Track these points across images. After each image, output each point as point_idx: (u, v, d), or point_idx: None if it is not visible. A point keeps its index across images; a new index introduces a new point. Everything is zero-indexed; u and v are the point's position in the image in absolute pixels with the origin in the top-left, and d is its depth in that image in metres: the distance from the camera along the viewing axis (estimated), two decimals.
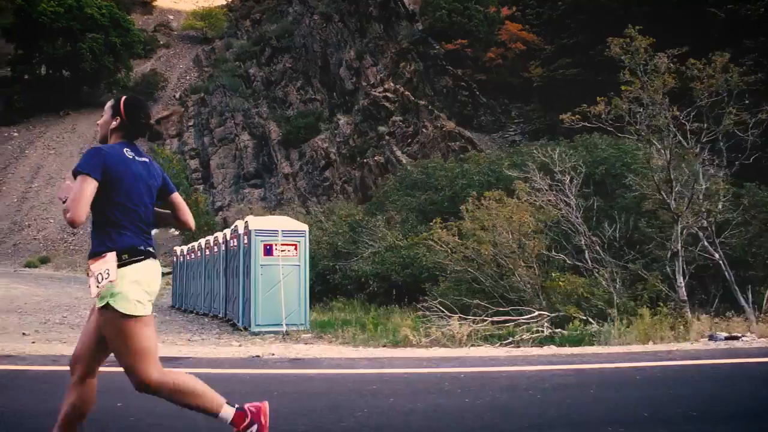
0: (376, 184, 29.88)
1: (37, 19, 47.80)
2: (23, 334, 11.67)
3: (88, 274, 3.23)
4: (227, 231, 15.04)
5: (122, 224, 3.28)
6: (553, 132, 30.25)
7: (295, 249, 11.96)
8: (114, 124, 3.47)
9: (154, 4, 67.13)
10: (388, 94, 32.12)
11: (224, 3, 66.95)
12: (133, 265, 3.20)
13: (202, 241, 17.67)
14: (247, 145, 41.62)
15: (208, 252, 16.72)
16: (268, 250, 11.78)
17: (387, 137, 30.09)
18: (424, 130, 28.79)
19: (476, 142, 27.78)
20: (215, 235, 16.39)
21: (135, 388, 3.23)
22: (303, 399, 5.21)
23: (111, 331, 3.18)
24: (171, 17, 67.05)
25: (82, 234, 39.75)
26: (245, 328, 11.99)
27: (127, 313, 3.14)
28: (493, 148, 29.70)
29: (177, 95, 53.25)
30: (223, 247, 15.03)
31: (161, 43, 59.94)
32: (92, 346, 3.33)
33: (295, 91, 43.09)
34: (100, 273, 3.17)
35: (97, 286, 3.15)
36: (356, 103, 36.45)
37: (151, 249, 3.36)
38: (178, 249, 21.40)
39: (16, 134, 49.06)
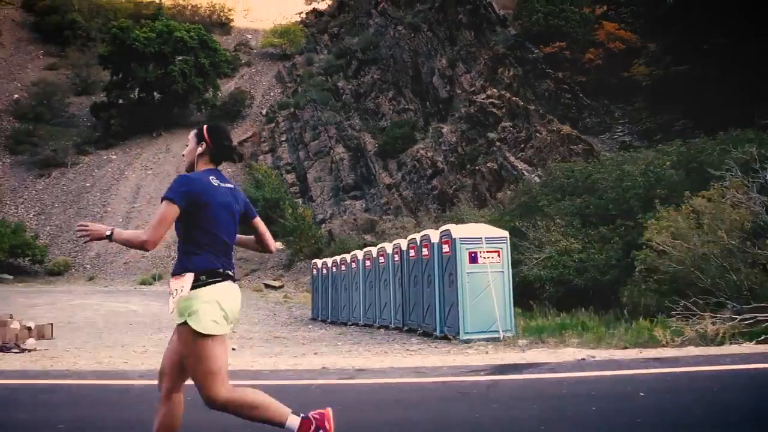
0: (490, 191, 29.86)
1: (131, 45, 49.34)
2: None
3: (169, 292, 3.40)
4: (401, 241, 15.22)
5: (204, 247, 3.43)
6: (665, 131, 29.81)
7: (498, 255, 12.02)
8: (200, 150, 3.64)
9: (231, 24, 68.50)
10: (494, 101, 32.04)
11: (299, 20, 68.13)
12: (211, 286, 3.35)
13: (359, 253, 17.89)
14: (342, 158, 42.06)
15: (368, 263, 16.90)
16: (473, 258, 11.86)
17: (498, 143, 30.00)
18: (537, 134, 28.63)
19: (593, 145, 27.50)
20: (380, 246, 16.59)
21: (204, 403, 3.35)
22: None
23: (186, 348, 3.32)
24: (249, 36, 68.37)
25: None
26: (448, 337, 12.05)
27: (202, 331, 3.28)
28: (604, 150, 29.37)
29: (263, 111, 54.24)
30: (395, 258, 15.19)
31: (243, 61, 61.12)
32: (176, 363, 3.46)
33: (387, 101, 43.40)
34: (176, 289, 3.36)
35: (171, 306, 3.34)
36: (455, 111, 36.52)
37: (230, 272, 3.49)
38: (319, 262, 21.70)
39: (114, 157, 50.62)
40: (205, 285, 3.38)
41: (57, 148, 49.60)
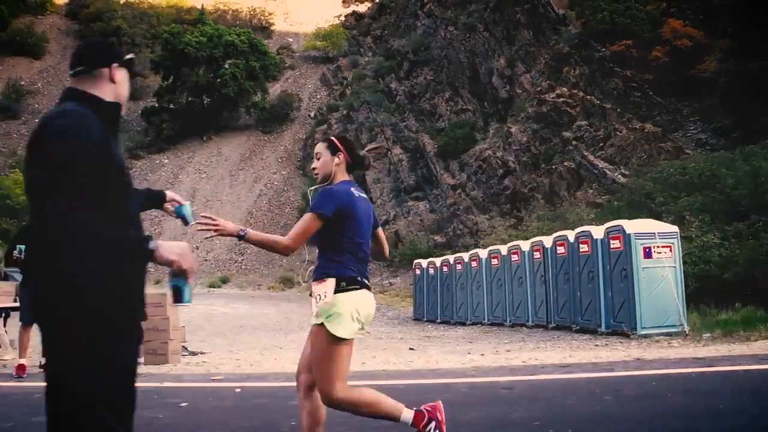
0: (569, 190, 29.81)
1: (183, 49, 49.73)
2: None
3: (310, 295, 3.52)
4: (543, 239, 15.26)
5: (346, 256, 3.52)
6: (743, 128, 29.62)
7: (670, 250, 12.01)
8: (337, 161, 3.70)
9: (272, 28, 68.83)
10: (567, 100, 31.99)
11: (338, 22, 68.35)
12: (351, 293, 3.45)
13: (481, 251, 17.93)
14: (401, 159, 42.13)
15: (495, 261, 16.94)
16: (648, 253, 11.86)
17: (574, 142, 29.95)
18: (617, 133, 28.55)
19: (679, 144, 27.40)
20: (513, 244, 16.64)
21: (321, 400, 3.46)
22: None
23: (318, 347, 3.45)
24: (290, 39, 68.68)
25: (250, 253, 41.05)
26: (620, 332, 12.04)
27: (337, 335, 3.38)
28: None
29: (312, 114, 54.48)
30: (535, 255, 15.22)
31: (287, 65, 61.36)
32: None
33: (443, 102, 43.43)
34: (319, 294, 3.47)
35: (313, 308, 3.47)
36: (520, 110, 36.44)
37: (366, 281, 3.59)
38: (423, 262, 21.77)
39: (166, 161, 51.03)
40: (345, 291, 3.49)
41: None
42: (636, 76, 34.67)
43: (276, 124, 53.62)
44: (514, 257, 16.12)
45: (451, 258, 19.76)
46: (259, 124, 53.70)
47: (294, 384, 3.72)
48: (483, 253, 17.81)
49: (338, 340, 3.44)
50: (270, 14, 70.40)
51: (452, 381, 6.70)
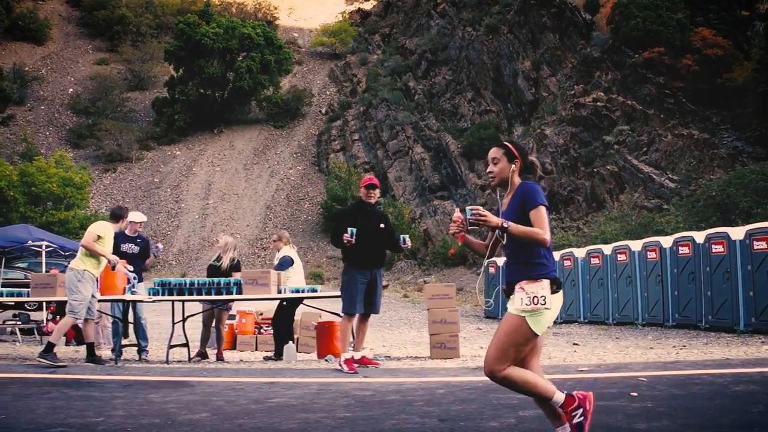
0: (611, 193, 30.18)
1: (200, 41, 49.20)
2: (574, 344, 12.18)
3: (515, 291, 3.65)
4: (659, 239, 15.43)
5: (550, 257, 3.73)
6: None
7: None
8: (513, 167, 3.88)
9: (277, 23, 68.42)
10: (606, 104, 32.37)
11: (343, 19, 68.19)
12: (557, 295, 3.65)
13: (576, 251, 18.06)
14: (423, 158, 42.23)
15: (596, 261, 17.09)
16: None
17: (616, 146, 30.32)
18: (663, 138, 28.95)
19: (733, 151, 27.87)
20: (619, 244, 16.81)
21: (485, 372, 3.67)
22: None
23: (509, 330, 3.61)
24: (296, 35, 68.35)
25: (272, 248, 40.67)
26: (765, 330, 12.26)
27: (536, 332, 3.59)
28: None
29: (323, 110, 54.29)
30: (649, 255, 15.40)
31: (295, 60, 61.03)
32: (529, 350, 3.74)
33: (466, 102, 43.62)
34: (535, 296, 3.59)
35: (527, 304, 3.58)
36: (551, 113, 36.78)
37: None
38: (497, 260, 21.85)
39: (178, 153, 50.44)
40: (554, 293, 3.66)
41: (122, 143, 49.36)
42: (668, 83, 35.20)
43: (288, 118, 53.31)
44: (621, 257, 16.30)
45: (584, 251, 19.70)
46: (270, 118, 53.32)
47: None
48: (580, 252, 17.97)
49: (533, 336, 3.62)
50: (275, 8, 69.90)
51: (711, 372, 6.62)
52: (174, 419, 4.58)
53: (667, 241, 15.11)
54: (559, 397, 3.69)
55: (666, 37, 36.09)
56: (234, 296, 8.33)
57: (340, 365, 7.28)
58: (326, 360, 8.82)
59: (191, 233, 42.57)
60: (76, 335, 13.11)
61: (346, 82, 56.90)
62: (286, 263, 9.27)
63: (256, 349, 12.14)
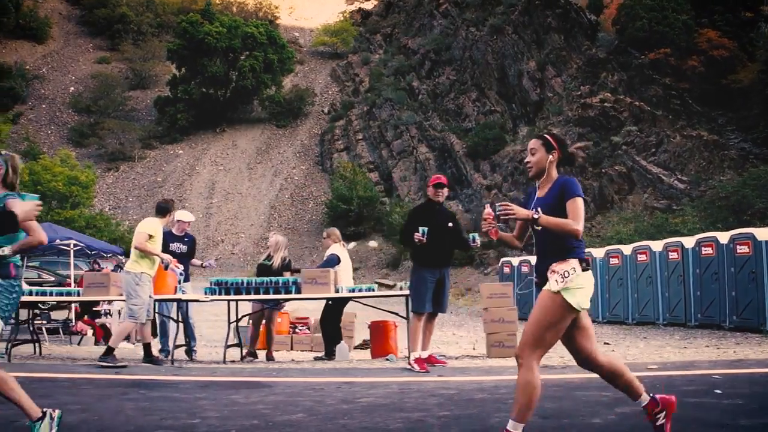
0: (620, 194, 30.30)
1: (203, 39, 49.15)
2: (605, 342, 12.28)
3: (548, 275, 3.77)
4: (681, 240, 15.54)
5: (581, 240, 3.85)
6: None
7: None
8: (551, 158, 3.98)
9: (278, 22, 68.37)
10: (613, 105, 32.50)
11: (344, 19, 68.24)
12: (586, 273, 3.76)
13: (594, 251, 18.15)
14: (428, 158, 42.30)
15: (615, 261, 17.20)
16: None
17: (624, 147, 30.45)
18: (672, 139, 29.09)
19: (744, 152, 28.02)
20: (639, 245, 16.92)
21: (516, 351, 3.78)
22: None
23: (547, 309, 3.70)
24: (296, 34, 68.34)
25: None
26: None
27: (572, 304, 3.67)
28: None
29: (325, 110, 54.31)
30: (671, 255, 15.52)
31: (296, 59, 61.02)
32: (578, 340, 3.85)
33: (470, 103, 43.70)
34: (566, 271, 3.73)
35: (558, 282, 3.71)
36: (559, 113, 36.88)
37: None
38: (514, 260, 21.96)
39: (181, 152, 50.39)
40: (585, 271, 3.78)
41: (124, 142, 49.28)
42: (674, 84, 35.37)
43: (290, 118, 53.30)
44: (642, 257, 16.41)
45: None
46: (272, 117, 53.29)
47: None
48: (599, 252, 18.08)
49: (572, 312, 3.69)
50: (276, 8, 69.87)
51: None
52: (272, 420, 4.61)
53: (689, 242, 15.23)
54: (645, 398, 3.80)
55: (672, 38, 36.26)
56: (293, 296, 8.36)
57: (410, 364, 7.33)
58: (387, 359, 8.87)
59: (195, 232, 42.12)
60: (104, 335, 13.12)
61: (348, 82, 56.89)
62: (332, 261, 9.28)
63: (292, 349, 12.18)
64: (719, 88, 35.26)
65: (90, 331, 12.47)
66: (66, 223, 33.88)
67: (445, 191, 7.84)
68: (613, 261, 17.37)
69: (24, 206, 3.96)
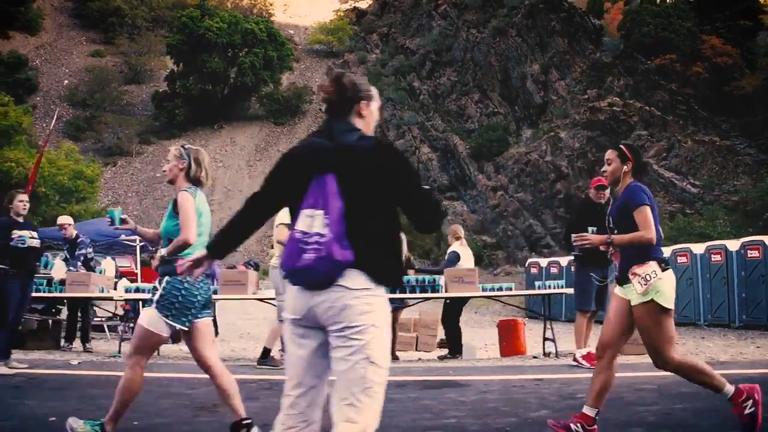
0: None
1: (203, 35, 48.88)
2: None
3: (630, 278, 4.05)
4: (726, 242, 15.86)
5: (657, 246, 4.12)
6: None
7: None
8: (626, 168, 4.24)
9: (273, 19, 68.12)
10: (622, 109, 32.91)
11: (337, 17, 68.23)
12: (669, 272, 4.08)
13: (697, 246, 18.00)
14: (430, 158, 42.44)
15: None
16: None
17: None
18: (683, 144, 29.54)
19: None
20: (678, 247, 17.20)
21: (655, 365, 4.09)
22: None
23: (649, 320, 4.00)
24: (291, 32, 68.15)
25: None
26: None
27: (666, 306, 3.98)
28: None
29: (323, 108, 54.09)
30: (713, 258, 15.84)
31: (293, 57, 60.89)
32: (620, 334, 4.19)
33: (472, 104, 43.95)
34: (648, 274, 3.99)
35: (643, 285, 3.98)
36: (565, 116, 37.26)
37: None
38: (542, 261, 22.18)
39: None
40: (665, 270, 4.04)
41: (122, 137, 48.86)
42: (679, 89, 35.91)
43: (288, 116, 53.21)
44: (682, 259, 16.71)
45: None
46: (270, 115, 53.14)
47: None
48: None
49: (668, 311, 3.96)
50: (270, 5, 69.66)
51: None
52: (521, 416, 4.72)
53: (733, 245, 15.54)
54: (729, 389, 3.98)
55: (677, 44, 36.82)
56: (441, 294, 8.50)
57: (577, 361, 7.49)
58: (535, 357, 8.98)
59: None
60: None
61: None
62: (452, 260, 9.35)
63: (417, 349, 11.85)
64: (722, 95, 35.87)
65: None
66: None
67: (607, 193, 7.94)
68: None
69: (188, 203, 4.14)
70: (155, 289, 4.08)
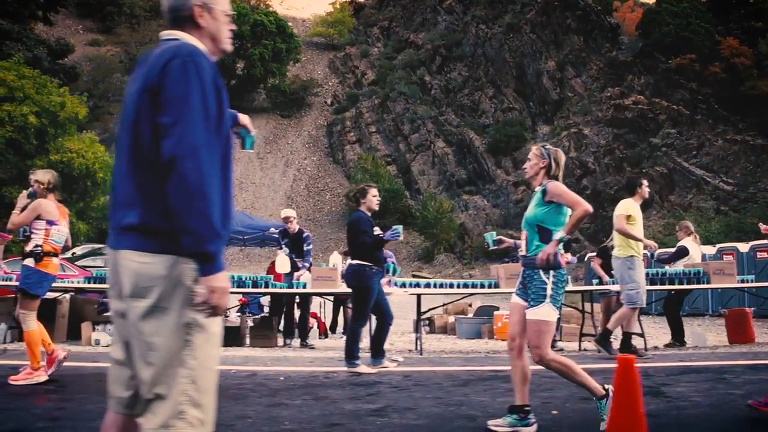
0: (661, 194, 31.31)
1: None
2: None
3: None
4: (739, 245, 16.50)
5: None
6: None
7: None
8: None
9: (270, 10, 67.62)
10: (648, 107, 33.50)
11: (335, 9, 68.03)
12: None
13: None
14: (446, 152, 42.72)
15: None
16: None
17: (663, 148, 31.46)
18: (714, 143, 30.21)
19: None
20: (724, 245, 17.77)
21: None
22: None
23: None
24: (290, 24, 67.73)
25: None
26: None
27: None
28: None
29: (328, 101, 54.18)
30: (759, 255, 16.45)
31: (299, 49, 60.60)
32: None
33: (487, 99, 44.30)
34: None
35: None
36: (586, 113, 37.77)
37: None
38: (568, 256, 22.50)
39: None
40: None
41: None
42: (698, 88, 36.65)
43: (294, 108, 53.04)
44: (728, 257, 17.26)
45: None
46: (276, 107, 52.92)
47: None
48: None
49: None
50: None
51: None
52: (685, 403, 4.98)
53: (745, 247, 16.21)
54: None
55: (696, 44, 37.53)
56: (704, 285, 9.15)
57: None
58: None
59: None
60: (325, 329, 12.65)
61: (348, 74, 56.87)
62: (681, 253, 9.71)
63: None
64: (737, 95, 36.69)
65: (315, 324, 12.25)
66: (97, 210, 33.02)
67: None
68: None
69: (562, 186, 4.33)
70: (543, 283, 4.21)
